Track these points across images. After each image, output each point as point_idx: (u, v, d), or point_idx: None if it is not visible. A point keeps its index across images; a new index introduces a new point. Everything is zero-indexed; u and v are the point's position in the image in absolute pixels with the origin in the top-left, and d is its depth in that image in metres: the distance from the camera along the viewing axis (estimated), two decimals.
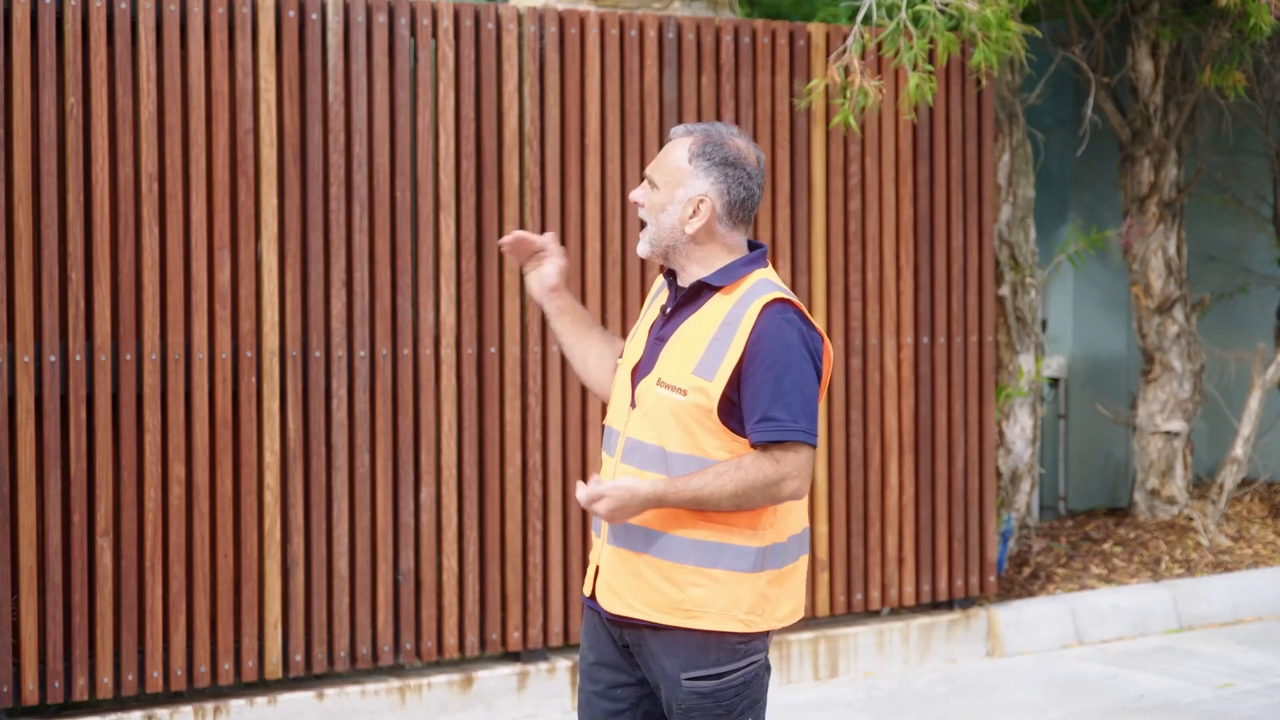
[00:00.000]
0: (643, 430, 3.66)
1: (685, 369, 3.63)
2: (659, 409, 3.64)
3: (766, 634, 3.72)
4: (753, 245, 3.78)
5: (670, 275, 3.79)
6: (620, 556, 3.68)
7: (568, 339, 3.98)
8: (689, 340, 3.66)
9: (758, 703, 3.72)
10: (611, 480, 3.62)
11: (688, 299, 3.72)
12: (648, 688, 3.78)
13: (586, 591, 3.78)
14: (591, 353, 3.95)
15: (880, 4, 6.64)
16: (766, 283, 3.70)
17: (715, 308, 3.68)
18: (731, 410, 3.62)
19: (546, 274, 3.96)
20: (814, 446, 3.65)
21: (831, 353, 3.78)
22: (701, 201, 3.69)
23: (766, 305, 3.64)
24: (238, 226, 6.02)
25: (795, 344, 3.62)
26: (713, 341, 3.63)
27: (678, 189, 3.69)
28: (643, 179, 3.77)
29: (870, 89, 6.36)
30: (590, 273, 6.59)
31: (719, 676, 3.65)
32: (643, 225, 3.75)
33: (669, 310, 3.74)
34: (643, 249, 3.74)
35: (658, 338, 3.72)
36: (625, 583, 3.67)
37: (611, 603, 3.69)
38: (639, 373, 3.72)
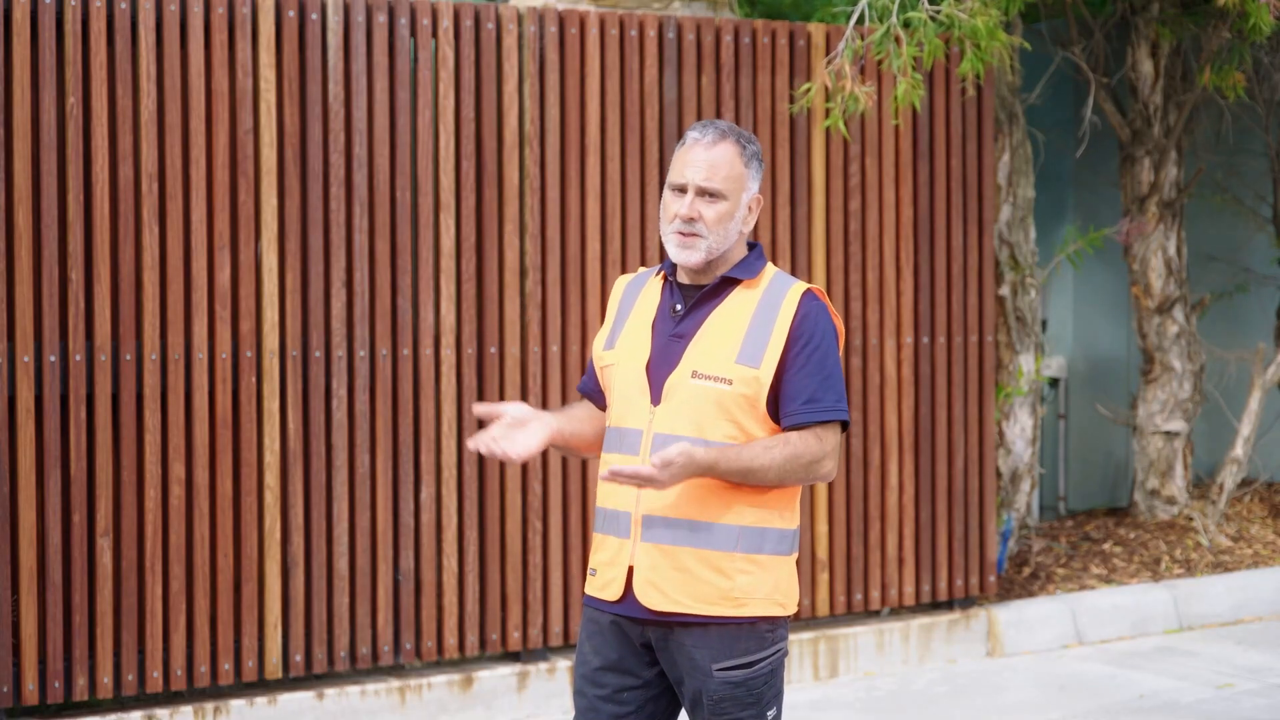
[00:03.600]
0: (676, 424, 3.66)
1: (725, 359, 3.66)
2: (698, 400, 3.65)
3: (788, 624, 3.76)
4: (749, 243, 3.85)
5: (671, 273, 3.80)
6: (662, 552, 3.66)
7: (573, 441, 3.87)
8: (720, 332, 3.69)
9: (780, 693, 3.76)
10: (663, 451, 3.56)
11: (709, 294, 3.74)
12: (654, 689, 3.77)
13: (612, 595, 3.72)
14: (585, 426, 3.90)
15: (874, 7, 6.64)
16: (785, 274, 3.78)
17: (742, 300, 3.72)
18: (770, 396, 3.67)
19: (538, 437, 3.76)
20: (847, 429, 3.76)
21: (844, 338, 3.86)
22: (755, 201, 3.77)
23: (804, 293, 3.71)
24: (238, 226, 6.02)
25: (831, 332, 3.72)
26: (750, 331, 3.67)
27: (741, 194, 3.73)
28: (677, 190, 3.70)
29: (861, 95, 6.36)
30: (590, 272, 6.59)
31: (749, 665, 3.67)
32: (686, 235, 3.69)
33: (682, 308, 3.74)
34: (696, 259, 3.70)
35: (673, 335, 3.72)
36: (670, 579, 3.65)
37: (656, 600, 3.66)
38: (656, 369, 3.71)
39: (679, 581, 3.65)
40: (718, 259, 3.73)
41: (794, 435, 3.65)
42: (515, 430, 3.74)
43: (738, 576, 3.65)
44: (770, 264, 3.81)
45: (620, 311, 3.87)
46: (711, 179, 3.69)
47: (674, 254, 3.73)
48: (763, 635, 3.69)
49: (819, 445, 3.66)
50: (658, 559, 3.66)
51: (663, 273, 3.84)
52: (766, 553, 3.68)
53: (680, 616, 3.66)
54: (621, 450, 3.73)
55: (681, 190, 3.72)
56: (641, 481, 3.56)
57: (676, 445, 3.57)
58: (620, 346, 3.80)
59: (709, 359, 3.66)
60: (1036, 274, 8.24)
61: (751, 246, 3.81)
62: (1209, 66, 8.29)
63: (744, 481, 3.64)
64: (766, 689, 3.70)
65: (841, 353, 3.79)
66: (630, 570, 3.69)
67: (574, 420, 3.89)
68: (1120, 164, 8.87)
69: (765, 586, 3.67)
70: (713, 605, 3.64)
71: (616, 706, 3.77)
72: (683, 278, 3.79)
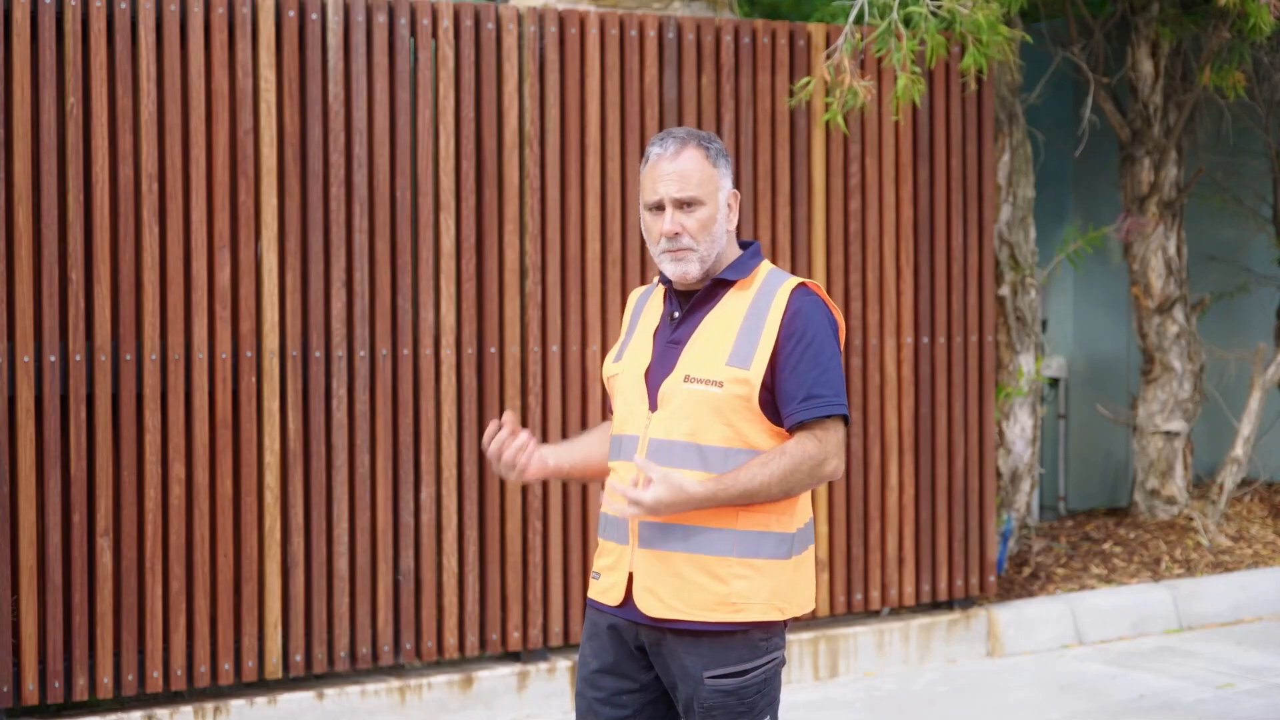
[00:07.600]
0: (671, 429, 3.65)
1: (717, 362, 3.64)
2: (692, 404, 3.64)
3: (784, 632, 3.73)
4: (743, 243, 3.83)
5: (668, 281, 3.80)
6: (657, 558, 3.65)
7: (588, 471, 3.91)
8: (713, 335, 3.67)
9: (775, 701, 3.73)
10: (660, 471, 3.56)
11: (703, 299, 3.72)
12: (652, 692, 3.77)
13: (613, 600, 3.72)
14: (596, 451, 3.92)
15: (873, 4, 6.64)
16: (779, 271, 3.75)
17: (735, 301, 3.70)
18: (766, 397, 3.64)
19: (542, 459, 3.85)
20: (849, 424, 3.66)
21: (844, 331, 3.81)
22: (733, 197, 3.74)
23: (794, 290, 3.68)
24: (238, 226, 6.02)
25: (825, 326, 3.67)
26: (741, 332, 3.65)
27: (718, 194, 3.70)
28: (654, 209, 3.68)
29: (860, 89, 6.36)
30: (590, 272, 6.59)
31: (741, 674, 3.65)
32: (676, 252, 3.68)
33: (678, 315, 3.74)
34: (693, 272, 3.69)
35: (671, 341, 3.72)
36: (666, 584, 3.64)
37: (654, 607, 3.65)
38: (654, 375, 3.70)
39: (675, 588, 3.63)
40: (714, 262, 3.72)
41: (790, 444, 3.61)
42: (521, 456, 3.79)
43: (734, 581, 3.62)
44: (766, 262, 3.78)
45: (630, 325, 3.87)
46: (685, 188, 3.66)
47: (670, 272, 3.71)
48: (756, 644, 3.66)
49: (818, 447, 3.61)
50: (654, 565, 3.65)
51: (662, 282, 3.85)
52: (764, 557, 3.65)
53: (676, 623, 3.65)
54: (620, 457, 3.74)
55: (658, 208, 3.69)
56: (631, 502, 3.55)
57: (671, 473, 3.55)
58: (626, 358, 3.80)
59: (701, 363, 3.65)
60: (1036, 274, 8.24)
61: (746, 245, 3.79)
62: (1209, 66, 8.29)
63: (751, 503, 3.60)
64: (759, 698, 3.67)
65: (841, 347, 3.75)
66: (631, 576, 3.69)
67: (583, 447, 3.90)
68: (1120, 164, 8.87)
69: (763, 591, 3.64)
70: (710, 611, 3.62)
71: (614, 710, 3.76)
72: (678, 284, 3.78)
